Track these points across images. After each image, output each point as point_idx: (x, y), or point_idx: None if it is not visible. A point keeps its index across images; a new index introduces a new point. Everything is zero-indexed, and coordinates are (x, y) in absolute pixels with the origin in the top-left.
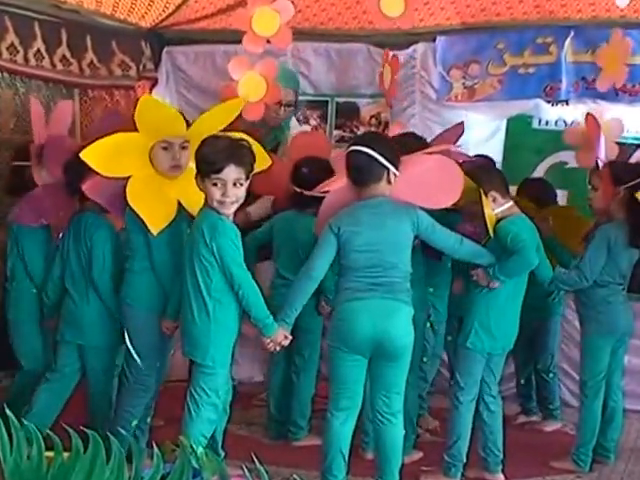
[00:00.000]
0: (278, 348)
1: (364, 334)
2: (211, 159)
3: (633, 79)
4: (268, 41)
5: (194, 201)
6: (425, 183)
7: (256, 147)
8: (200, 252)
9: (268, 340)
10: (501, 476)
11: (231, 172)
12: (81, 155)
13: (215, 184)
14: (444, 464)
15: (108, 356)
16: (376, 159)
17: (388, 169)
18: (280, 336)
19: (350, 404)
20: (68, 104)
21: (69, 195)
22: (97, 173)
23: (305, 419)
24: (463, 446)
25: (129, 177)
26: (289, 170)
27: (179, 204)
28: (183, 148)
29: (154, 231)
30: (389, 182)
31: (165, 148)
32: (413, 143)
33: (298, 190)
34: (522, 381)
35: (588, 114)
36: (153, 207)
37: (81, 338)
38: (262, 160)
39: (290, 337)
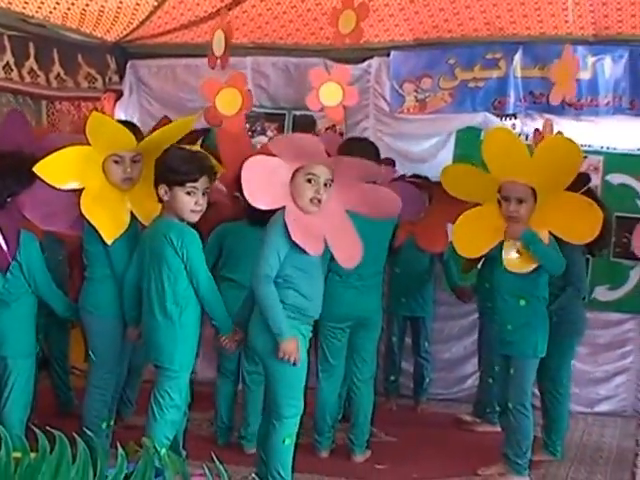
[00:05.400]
0: (234, 346)
1: None
2: (186, 169)
3: (578, 93)
4: None
5: (147, 212)
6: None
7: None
8: (168, 260)
9: (224, 338)
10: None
11: (203, 182)
12: (34, 169)
13: (189, 193)
14: (515, 467)
15: (29, 363)
16: None
17: None
18: (237, 335)
19: None
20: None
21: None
22: (21, 187)
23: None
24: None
25: (73, 192)
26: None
27: (132, 214)
28: (134, 161)
29: (108, 240)
30: None
31: (116, 162)
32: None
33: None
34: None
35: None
36: (106, 217)
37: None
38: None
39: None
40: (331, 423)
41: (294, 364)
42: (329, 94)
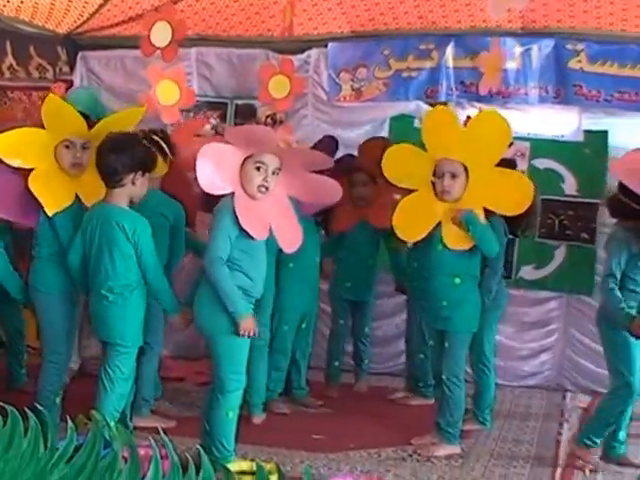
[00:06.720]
0: (185, 325)
1: None
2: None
3: (506, 83)
4: None
5: (95, 197)
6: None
7: None
8: (120, 246)
9: (175, 318)
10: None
11: None
12: None
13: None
14: (447, 435)
15: None
16: None
17: None
18: (187, 314)
19: None
20: None
21: None
22: None
23: None
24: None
25: (22, 175)
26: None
27: (77, 196)
28: (84, 148)
29: (49, 212)
30: None
31: (67, 147)
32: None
33: None
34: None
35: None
36: (51, 192)
37: None
38: None
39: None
40: None
41: (254, 336)
42: (278, 86)
